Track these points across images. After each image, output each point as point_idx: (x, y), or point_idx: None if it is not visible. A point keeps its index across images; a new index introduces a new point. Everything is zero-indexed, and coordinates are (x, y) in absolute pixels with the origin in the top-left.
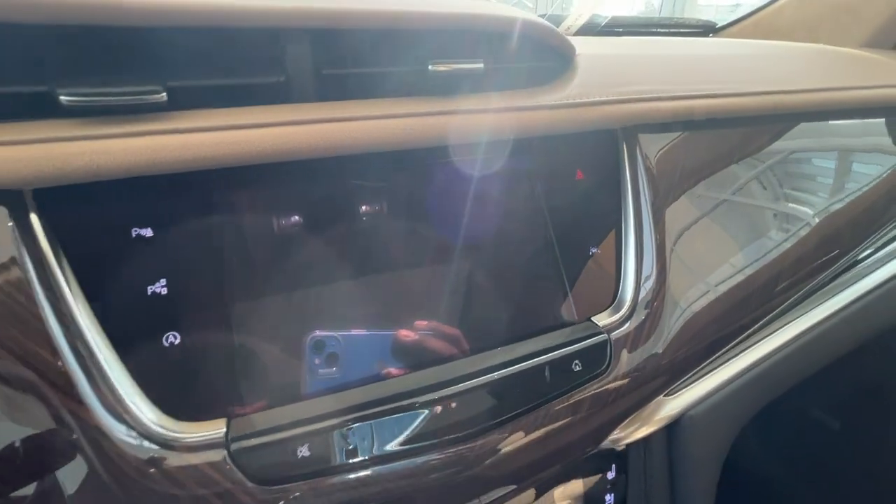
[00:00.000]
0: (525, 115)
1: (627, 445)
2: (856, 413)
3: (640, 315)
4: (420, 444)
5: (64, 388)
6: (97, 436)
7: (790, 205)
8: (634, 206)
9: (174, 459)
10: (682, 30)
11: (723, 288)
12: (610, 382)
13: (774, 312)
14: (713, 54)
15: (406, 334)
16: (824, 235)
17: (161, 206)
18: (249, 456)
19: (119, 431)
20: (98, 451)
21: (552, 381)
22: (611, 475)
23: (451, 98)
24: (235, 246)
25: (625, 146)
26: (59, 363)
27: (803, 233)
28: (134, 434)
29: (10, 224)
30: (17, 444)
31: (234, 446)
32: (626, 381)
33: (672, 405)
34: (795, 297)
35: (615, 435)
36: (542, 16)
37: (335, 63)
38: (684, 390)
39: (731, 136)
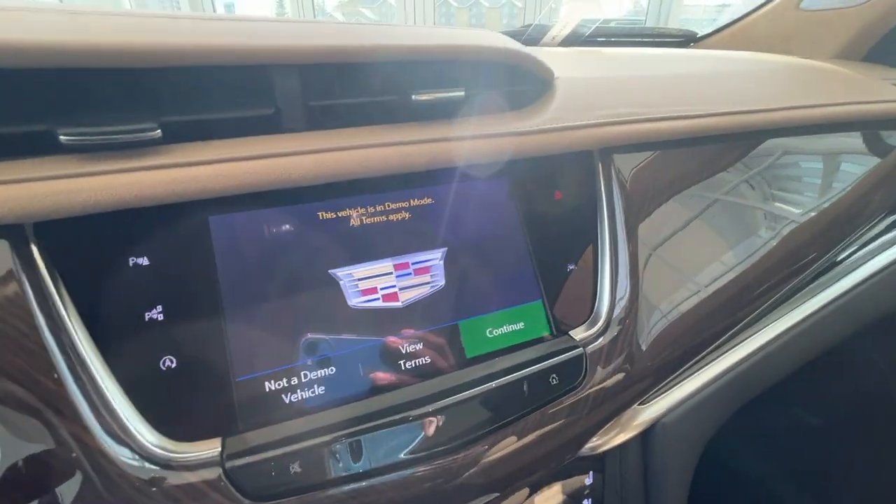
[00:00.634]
0: (506, 140)
1: (604, 452)
2: (838, 413)
3: (614, 330)
4: (405, 458)
5: (66, 412)
6: (98, 457)
7: (749, 219)
8: (610, 225)
9: (172, 479)
10: (664, 39)
11: (695, 299)
12: (585, 394)
13: (746, 320)
14: (690, 73)
15: (395, 341)
16: (794, 244)
17: (156, 236)
18: (243, 473)
19: (119, 453)
20: (98, 471)
21: (530, 394)
22: (588, 480)
23: (434, 125)
24: (228, 270)
25: (600, 167)
26: (62, 389)
27: (773, 242)
28: (133, 455)
29: (11, 256)
30: (21, 464)
31: (228, 464)
32: (601, 392)
33: (646, 413)
34: (766, 305)
35: (592, 442)
36: (528, 26)
37: (322, 95)
38: (658, 398)
39: (703, 153)
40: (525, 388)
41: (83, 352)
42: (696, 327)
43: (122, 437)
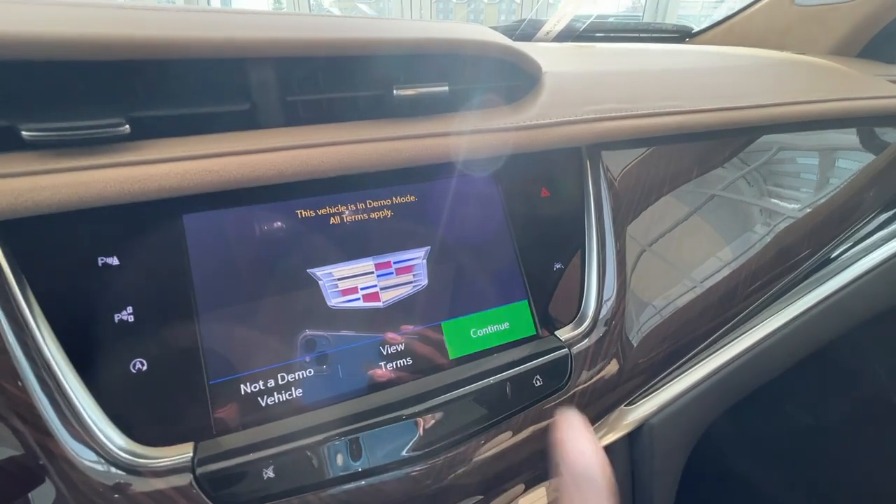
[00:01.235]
0: (491, 136)
1: None
2: (828, 412)
3: (601, 330)
4: (384, 462)
5: (30, 419)
6: (63, 464)
7: (736, 216)
8: (597, 223)
9: (139, 485)
10: (659, 34)
11: (684, 298)
12: (570, 395)
13: (736, 319)
14: (681, 68)
15: (375, 342)
16: (786, 241)
17: (126, 235)
18: (215, 479)
19: (83, 458)
20: (64, 478)
21: (514, 396)
22: None
23: (416, 121)
24: (201, 271)
25: (588, 164)
26: (25, 395)
27: (766, 239)
28: (98, 460)
29: None
30: None
31: (199, 470)
32: (587, 393)
33: (633, 414)
34: (757, 303)
35: None
36: (522, 20)
37: (300, 89)
38: (645, 399)
39: (693, 149)
40: (508, 389)
41: (49, 355)
42: (685, 327)
43: (88, 441)
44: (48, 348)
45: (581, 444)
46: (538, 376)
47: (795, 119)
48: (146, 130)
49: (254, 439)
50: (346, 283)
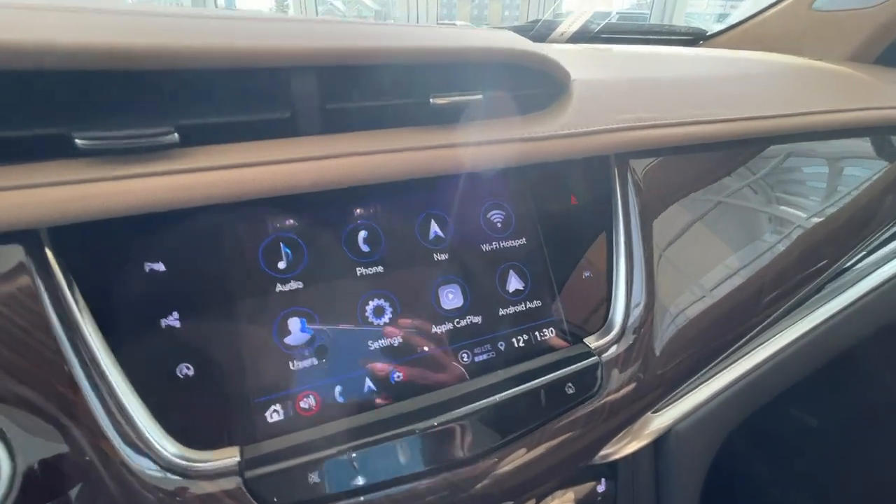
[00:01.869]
0: (523, 146)
1: (616, 460)
2: (845, 419)
3: (630, 338)
4: (423, 468)
5: (85, 422)
6: (116, 466)
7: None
8: (625, 231)
9: (192, 488)
10: (672, 37)
11: (710, 305)
12: (601, 402)
13: (759, 327)
14: (704, 76)
15: (413, 352)
16: (806, 249)
17: (173, 241)
18: (263, 483)
19: (138, 463)
20: (116, 480)
21: (547, 403)
22: (601, 488)
23: (452, 130)
24: (245, 277)
25: (616, 172)
26: (80, 399)
27: (787, 248)
28: (151, 464)
29: (27, 262)
30: (41, 472)
31: (248, 474)
32: (616, 401)
33: (659, 421)
34: (779, 311)
35: (605, 450)
36: (536, 21)
37: (339, 98)
38: (670, 406)
39: (718, 158)
40: (542, 397)
41: (100, 360)
42: (711, 334)
43: (141, 446)
44: (99, 354)
45: None
46: (570, 384)
47: (819, 129)
48: (193, 138)
49: (298, 443)
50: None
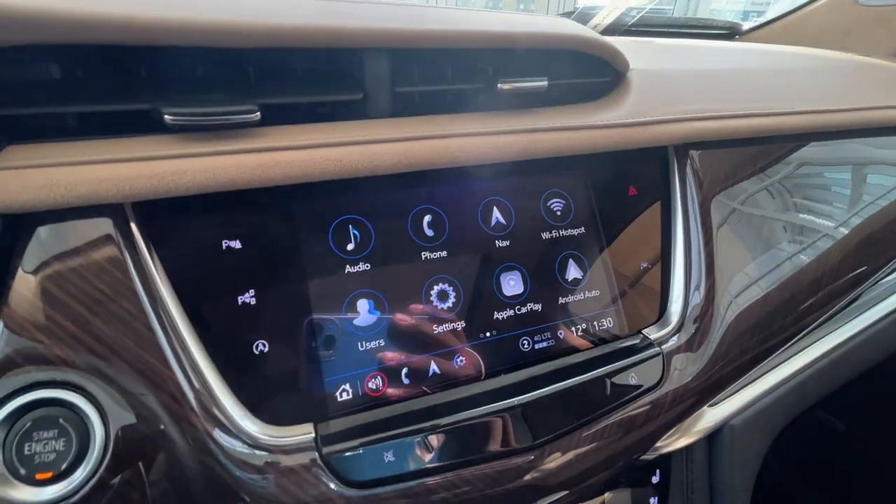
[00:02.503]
0: (585, 133)
1: (670, 453)
2: (872, 419)
3: (690, 329)
4: (494, 450)
5: (172, 394)
6: (202, 438)
7: (822, 220)
8: (684, 222)
9: (270, 461)
10: (708, 31)
11: (770, 299)
12: (663, 393)
13: (812, 326)
14: (758, 68)
15: (455, 316)
16: (870, 243)
17: (248, 220)
18: (340, 459)
19: (220, 436)
20: (200, 450)
21: (612, 392)
22: (655, 479)
23: (517, 116)
24: (316, 257)
25: (676, 162)
26: (167, 370)
27: (850, 244)
28: (235, 440)
29: (114, 234)
30: (130, 439)
31: (325, 449)
32: (678, 392)
33: (714, 415)
34: (831, 311)
35: (660, 443)
36: (569, 14)
37: (409, 81)
38: (726, 401)
39: (782, 151)
40: (607, 386)
41: (184, 334)
42: (772, 327)
43: (222, 420)
44: (182, 326)
45: None
46: (633, 374)
47: (880, 124)
48: (272, 118)
49: (369, 421)
50: None
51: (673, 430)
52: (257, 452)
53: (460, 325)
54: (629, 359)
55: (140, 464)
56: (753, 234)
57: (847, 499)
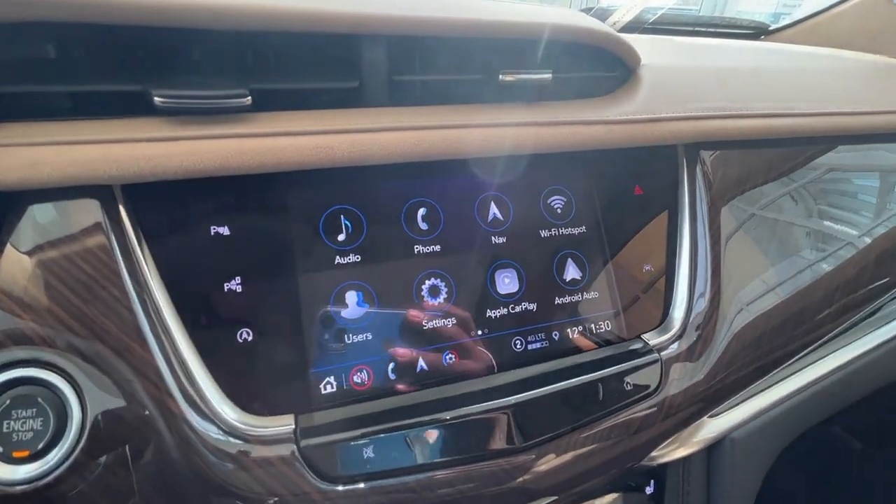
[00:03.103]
0: (593, 129)
1: (667, 463)
2: (884, 437)
3: (691, 336)
4: (477, 452)
5: (151, 377)
6: (178, 422)
7: (841, 227)
8: (691, 225)
9: (247, 451)
10: (732, 30)
11: (779, 310)
12: (659, 400)
13: (824, 339)
14: (779, 68)
15: (446, 312)
16: (884, 262)
17: (237, 206)
18: (317, 453)
19: (199, 423)
20: (178, 436)
21: (605, 397)
22: (650, 489)
23: (518, 109)
24: (305, 247)
25: (685, 162)
26: (148, 355)
27: (864, 259)
28: (213, 428)
29: (102, 217)
30: (108, 421)
31: (303, 442)
32: (675, 401)
33: (714, 426)
34: (846, 323)
35: (656, 452)
36: (589, 10)
37: (407, 70)
38: (728, 412)
39: (800, 154)
40: (600, 390)
41: (166, 318)
42: (778, 339)
43: (202, 407)
44: (165, 310)
45: None
46: (628, 379)
47: None
48: (264, 103)
49: (352, 416)
50: None
51: (671, 439)
52: (232, 440)
53: (451, 321)
54: (625, 364)
55: (117, 448)
56: (764, 240)
57: None
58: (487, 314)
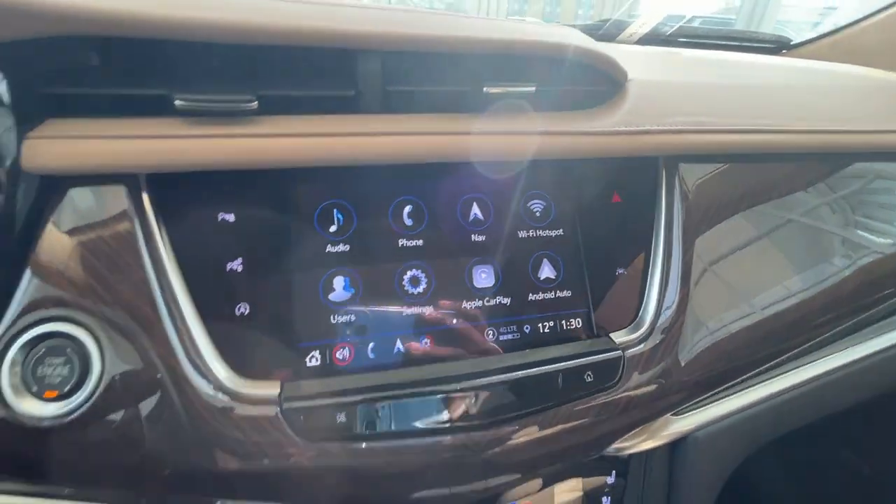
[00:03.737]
0: (572, 139)
1: (630, 455)
2: (880, 455)
3: (657, 338)
4: (439, 426)
5: (160, 339)
6: (181, 382)
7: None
8: (665, 234)
9: (238, 410)
10: (753, 44)
11: (746, 320)
12: (618, 396)
13: (796, 350)
14: (776, 84)
15: (425, 301)
16: (869, 275)
17: (242, 197)
18: (297, 415)
19: (196, 380)
20: (179, 392)
21: (564, 387)
22: (610, 480)
23: (500, 118)
24: (300, 235)
25: (664, 174)
26: (156, 317)
27: (846, 272)
28: (207, 384)
29: (127, 200)
30: (122, 375)
31: (285, 405)
32: (634, 397)
33: (679, 424)
34: (820, 338)
35: (619, 443)
36: (606, 21)
37: (400, 81)
38: (693, 412)
39: (776, 170)
40: (560, 380)
41: (176, 290)
42: (745, 348)
43: (200, 367)
44: (175, 285)
45: None
46: (589, 372)
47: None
48: (269, 107)
49: (332, 388)
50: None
51: (635, 433)
52: (221, 396)
53: (428, 309)
54: (588, 358)
55: (129, 397)
56: (740, 251)
57: None
58: (463, 305)
